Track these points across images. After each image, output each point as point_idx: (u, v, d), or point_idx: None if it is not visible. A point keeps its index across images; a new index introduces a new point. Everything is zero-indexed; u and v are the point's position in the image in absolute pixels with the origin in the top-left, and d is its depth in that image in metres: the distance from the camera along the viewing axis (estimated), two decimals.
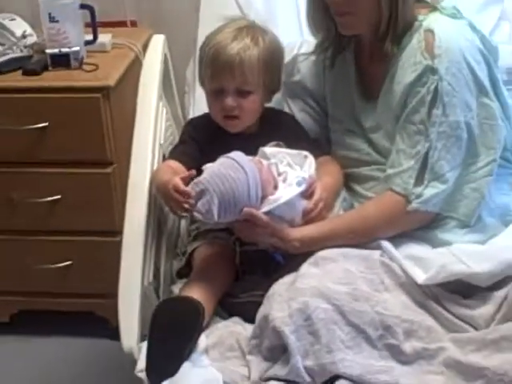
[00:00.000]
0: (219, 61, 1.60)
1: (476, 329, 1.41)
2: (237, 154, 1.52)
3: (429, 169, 1.52)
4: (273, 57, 1.66)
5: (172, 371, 1.34)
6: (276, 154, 1.61)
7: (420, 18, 1.56)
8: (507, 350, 1.31)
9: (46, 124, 2.11)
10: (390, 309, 1.39)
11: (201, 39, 2.09)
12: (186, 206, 1.46)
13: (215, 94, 1.64)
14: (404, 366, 1.35)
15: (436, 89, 1.50)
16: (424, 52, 1.52)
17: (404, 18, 1.54)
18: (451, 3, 1.60)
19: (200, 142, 1.68)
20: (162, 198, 1.61)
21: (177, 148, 1.74)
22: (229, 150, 1.54)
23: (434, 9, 1.58)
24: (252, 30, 1.64)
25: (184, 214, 1.54)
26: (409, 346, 1.36)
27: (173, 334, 1.34)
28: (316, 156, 1.64)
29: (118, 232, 2.13)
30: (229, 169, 1.48)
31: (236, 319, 1.53)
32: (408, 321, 1.39)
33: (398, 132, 1.57)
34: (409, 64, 1.55)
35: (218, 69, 1.61)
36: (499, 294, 1.43)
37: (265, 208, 1.50)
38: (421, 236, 1.57)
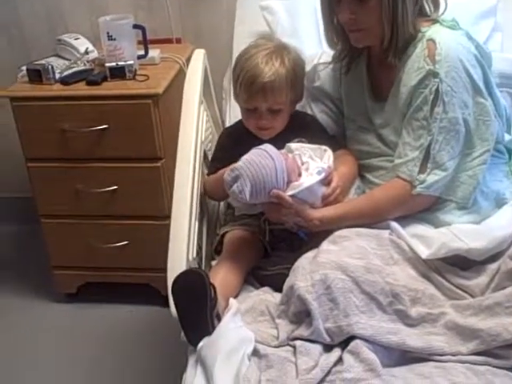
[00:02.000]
0: (254, 86, 1.57)
1: (472, 296, 1.39)
2: (266, 146, 1.51)
3: (431, 158, 1.50)
4: (297, 76, 1.63)
5: (205, 331, 1.33)
6: (299, 148, 1.60)
7: (423, 29, 1.54)
8: (500, 314, 1.29)
9: (106, 126, 2.12)
10: (398, 279, 1.37)
11: (236, 52, 2.10)
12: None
13: (250, 111, 1.63)
14: (410, 328, 1.33)
15: (437, 90, 1.47)
16: (426, 58, 1.49)
17: (403, 35, 1.52)
18: (450, 16, 1.57)
19: (233, 149, 1.63)
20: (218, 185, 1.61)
21: (213, 163, 1.74)
22: None
23: (435, 21, 1.56)
24: (280, 53, 1.61)
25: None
26: (414, 311, 1.35)
27: (190, 301, 1.32)
28: (334, 149, 1.62)
29: (166, 216, 2.15)
30: (259, 157, 1.47)
31: (266, 289, 1.53)
32: (413, 289, 1.37)
33: (404, 127, 1.54)
34: (413, 69, 1.52)
35: (253, 93, 1.58)
36: (492, 267, 1.40)
37: (290, 192, 1.49)
38: (424, 217, 1.55)
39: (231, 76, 2.09)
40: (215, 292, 1.35)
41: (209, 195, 1.75)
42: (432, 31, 1.52)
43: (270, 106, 1.60)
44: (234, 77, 1.65)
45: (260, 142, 1.61)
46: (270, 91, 1.57)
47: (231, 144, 1.69)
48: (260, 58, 1.58)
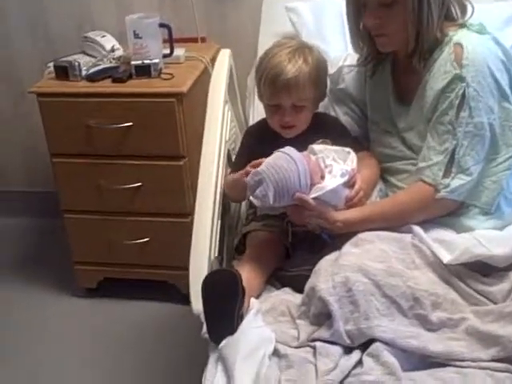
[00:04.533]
0: (278, 82, 1.58)
1: (494, 303, 1.38)
2: (289, 149, 1.51)
3: (456, 163, 1.49)
4: (320, 73, 1.64)
5: (229, 330, 1.33)
6: (323, 150, 1.60)
7: (450, 33, 1.53)
8: None
9: (131, 123, 2.13)
10: (420, 284, 1.37)
11: (261, 52, 2.10)
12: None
13: (274, 109, 1.63)
14: (431, 333, 1.33)
15: (463, 94, 1.47)
16: (453, 62, 1.49)
17: (429, 39, 1.52)
18: (478, 20, 1.56)
19: (257, 147, 1.64)
20: (236, 186, 1.62)
21: (236, 160, 1.74)
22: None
23: (462, 26, 1.55)
24: (302, 50, 1.62)
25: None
26: (435, 316, 1.34)
27: (220, 299, 1.33)
28: (357, 151, 1.62)
29: (188, 214, 2.17)
30: (282, 161, 1.47)
31: (287, 289, 1.53)
32: (435, 294, 1.37)
33: (429, 131, 1.54)
34: (440, 73, 1.52)
35: (277, 89, 1.59)
36: None
37: (313, 194, 1.49)
38: (447, 222, 1.54)
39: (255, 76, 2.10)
40: (244, 293, 1.37)
41: (226, 195, 1.73)
42: (459, 35, 1.52)
43: (293, 102, 1.60)
44: (257, 75, 1.66)
45: (283, 140, 1.62)
46: (294, 87, 1.58)
47: (254, 143, 1.69)
48: (283, 56, 1.59)
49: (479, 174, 1.51)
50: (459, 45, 1.49)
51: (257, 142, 1.68)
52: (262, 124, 1.72)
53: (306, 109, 1.63)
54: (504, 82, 1.50)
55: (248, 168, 1.53)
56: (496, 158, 1.53)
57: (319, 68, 1.64)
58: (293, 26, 2.12)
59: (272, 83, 1.59)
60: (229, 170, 1.77)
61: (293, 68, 1.58)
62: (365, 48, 1.69)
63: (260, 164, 1.50)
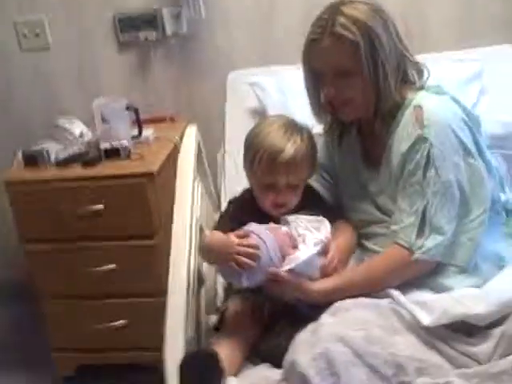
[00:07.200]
0: (277, 161, 1.52)
1: (479, 363, 1.34)
2: (254, 227, 1.49)
3: (428, 223, 1.48)
4: (314, 152, 1.62)
5: None
6: (295, 220, 1.58)
7: (409, 97, 1.55)
8: (507, 382, 1.25)
9: (102, 206, 2.11)
10: (401, 349, 1.33)
11: (228, 126, 2.13)
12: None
13: (267, 187, 1.58)
14: None
15: (428, 154, 1.48)
16: (415, 124, 1.50)
17: (388, 104, 1.53)
18: (437, 82, 1.59)
19: (242, 218, 1.58)
20: (218, 254, 1.49)
21: (220, 224, 1.64)
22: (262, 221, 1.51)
23: (420, 88, 1.58)
24: (298, 129, 1.58)
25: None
26: (420, 382, 1.30)
27: (198, 382, 1.29)
28: (333, 221, 1.59)
29: (164, 292, 2.11)
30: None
31: (267, 365, 1.47)
32: (418, 359, 1.33)
33: (399, 194, 1.54)
34: (403, 136, 1.53)
35: (275, 168, 1.53)
36: (497, 332, 1.36)
37: (287, 266, 1.46)
38: (424, 283, 1.51)
39: (224, 151, 2.11)
40: (223, 374, 1.32)
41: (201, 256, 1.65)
42: (418, 98, 1.54)
43: (289, 181, 1.56)
44: (249, 154, 1.59)
45: (265, 214, 1.59)
46: (293, 166, 1.54)
47: (239, 212, 1.63)
48: (281, 133, 1.55)
49: (454, 231, 1.49)
50: (419, 107, 1.51)
51: (242, 213, 1.62)
52: (246, 196, 1.67)
53: (299, 187, 1.60)
54: (467, 140, 1.51)
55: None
56: (469, 215, 1.52)
57: (313, 146, 1.62)
58: (258, 99, 2.15)
59: (270, 161, 1.53)
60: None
61: (292, 147, 1.53)
62: (328, 117, 1.70)
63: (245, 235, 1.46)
